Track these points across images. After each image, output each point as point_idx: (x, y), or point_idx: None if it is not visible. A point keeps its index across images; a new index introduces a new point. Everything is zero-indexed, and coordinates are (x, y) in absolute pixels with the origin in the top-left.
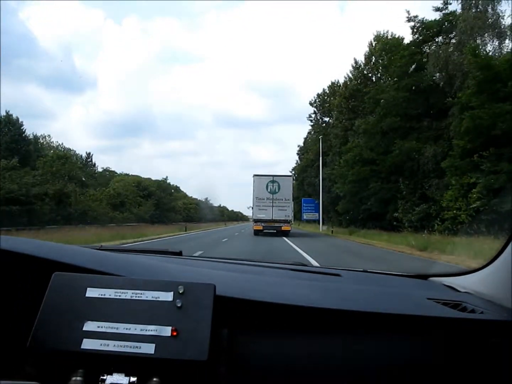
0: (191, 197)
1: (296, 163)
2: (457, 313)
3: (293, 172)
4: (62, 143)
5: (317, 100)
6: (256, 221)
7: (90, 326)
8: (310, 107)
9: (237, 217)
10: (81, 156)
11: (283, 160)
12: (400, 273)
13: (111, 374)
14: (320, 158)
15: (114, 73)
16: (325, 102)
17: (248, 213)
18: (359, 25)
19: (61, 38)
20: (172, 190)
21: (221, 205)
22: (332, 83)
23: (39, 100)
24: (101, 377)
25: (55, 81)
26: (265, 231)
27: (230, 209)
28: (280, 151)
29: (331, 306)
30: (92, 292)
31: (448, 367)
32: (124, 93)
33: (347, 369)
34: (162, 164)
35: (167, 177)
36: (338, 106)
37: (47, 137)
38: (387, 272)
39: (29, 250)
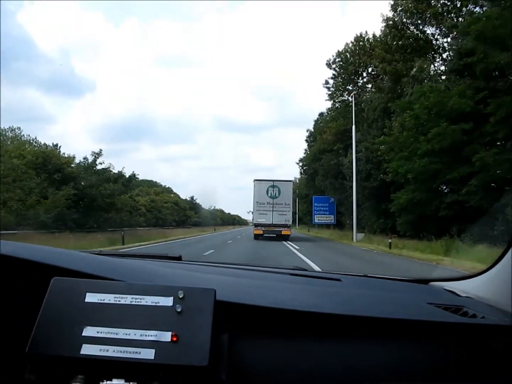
0: (167, 193)
1: (304, 153)
2: (458, 317)
3: (300, 164)
4: (35, 137)
5: (337, 60)
6: (257, 225)
7: (89, 331)
8: (328, 70)
9: (233, 221)
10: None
11: (283, 164)
12: (400, 278)
13: (111, 380)
14: (353, 125)
15: (113, 76)
16: (349, 63)
17: (246, 217)
18: (360, 28)
19: (60, 41)
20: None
21: (215, 207)
22: (358, 37)
23: (38, 103)
24: (101, 382)
25: (54, 85)
26: (265, 235)
27: (227, 212)
28: (280, 155)
29: (331, 311)
30: (91, 297)
31: (449, 372)
32: (124, 96)
33: (347, 375)
34: (163, 168)
35: (101, 150)
36: (383, 43)
37: (16, 130)
38: (387, 276)
39: (28, 255)
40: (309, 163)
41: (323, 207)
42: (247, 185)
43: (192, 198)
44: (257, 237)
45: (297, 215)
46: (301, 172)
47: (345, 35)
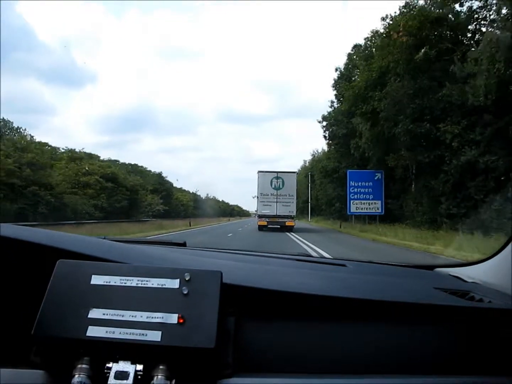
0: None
1: (330, 106)
2: (465, 302)
3: (323, 123)
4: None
5: None
6: (261, 216)
7: (95, 313)
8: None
9: (232, 211)
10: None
11: (286, 155)
12: (406, 264)
13: (117, 362)
14: None
15: (114, 67)
16: None
17: (248, 207)
18: (361, 20)
19: (61, 31)
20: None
21: (208, 195)
22: None
23: (39, 94)
24: (107, 365)
25: (55, 75)
26: (269, 226)
27: (225, 201)
28: (283, 147)
29: (337, 294)
30: (97, 280)
31: (457, 356)
32: (125, 87)
33: (352, 357)
34: (164, 160)
35: None
36: None
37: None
38: (393, 263)
39: (33, 238)
40: (346, 112)
41: (365, 187)
42: (250, 177)
43: (160, 174)
44: (261, 228)
45: (309, 203)
46: (325, 137)
47: (346, 28)
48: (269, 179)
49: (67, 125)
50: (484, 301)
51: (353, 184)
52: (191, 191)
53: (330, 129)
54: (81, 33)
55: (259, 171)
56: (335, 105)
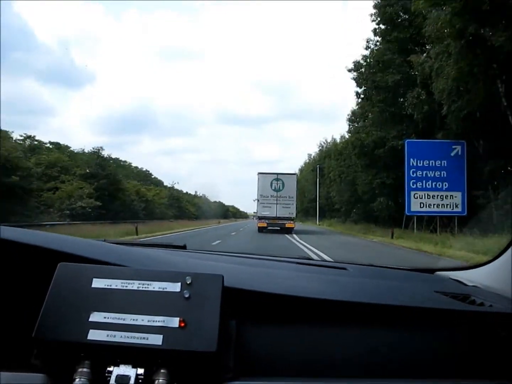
0: None
1: (366, 48)
2: (466, 306)
3: (353, 72)
4: None
5: None
6: (261, 218)
7: (96, 317)
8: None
9: (226, 213)
10: None
11: (286, 157)
12: (406, 267)
13: (118, 366)
14: None
15: (114, 67)
16: None
17: (246, 209)
18: (361, 22)
19: (60, 31)
20: None
21: (197, 193)
22: None
23: (37, 95)
24: (108, 368)
25: (53, 76)
26: (269, 228)
27: (220, 202)
28: (283, 148)
29: (338, 298)
30: (98, 283)
31: (458, 359)
32: (124, 88)
33: (354, 360)
34: (163, 162)
35: None
36: None
37: None
38: (393, 266)
39: (34, 241)
40: (395, 64)
41: (434, 168)
42: (249, 178)
43: (98, 153)
44: (261, 229)
45: (317, 202)
46: (358, 94)
47: (346, 28)
48: (269, 181)
49: (66, 126)
50: (485, 305)
51: (414, 164)
52: (169, 185)
53: (369, 80)
54: (80, 33)
55: (259, 173)
56: (372, 45)
